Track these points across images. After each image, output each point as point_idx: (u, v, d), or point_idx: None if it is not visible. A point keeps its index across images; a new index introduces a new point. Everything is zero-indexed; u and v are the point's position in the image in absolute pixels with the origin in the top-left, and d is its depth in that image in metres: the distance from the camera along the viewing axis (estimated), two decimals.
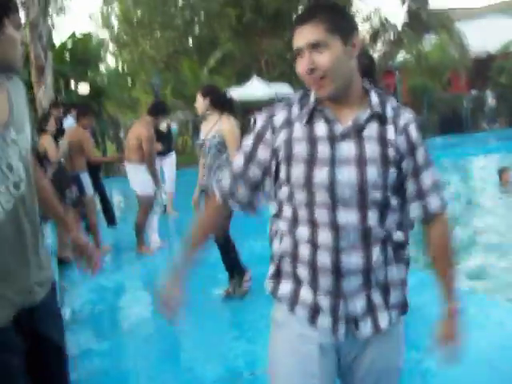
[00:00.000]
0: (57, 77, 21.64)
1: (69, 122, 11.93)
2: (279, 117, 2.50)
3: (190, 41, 33.81)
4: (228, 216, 6.66)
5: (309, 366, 2.47)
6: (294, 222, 2.44)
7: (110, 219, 11.13)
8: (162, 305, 2.63)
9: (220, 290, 7.17)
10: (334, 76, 2.32)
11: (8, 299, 2.45)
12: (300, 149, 2.39)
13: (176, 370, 5.31)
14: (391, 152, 2.36)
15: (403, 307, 2.59)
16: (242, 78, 27.37)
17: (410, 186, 2.45)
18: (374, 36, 29.99)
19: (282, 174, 2.45)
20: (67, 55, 25.33)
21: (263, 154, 2.52)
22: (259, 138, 2.53)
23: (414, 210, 2.50)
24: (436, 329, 2.61)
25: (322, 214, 2.36)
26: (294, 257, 2.45)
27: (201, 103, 7.04)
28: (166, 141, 11.74)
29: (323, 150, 2.36)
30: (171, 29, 32.03)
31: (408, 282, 2.63)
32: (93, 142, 10.15)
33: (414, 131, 2.42)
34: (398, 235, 2.48)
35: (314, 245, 2.38)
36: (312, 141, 2.39)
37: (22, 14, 19.61)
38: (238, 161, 2.60)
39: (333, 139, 2.36)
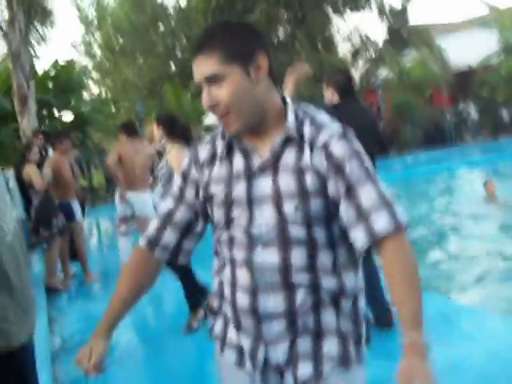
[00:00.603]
0: (40, 105, 21.61)
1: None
2: (202, 153, 2.31)
3: (173, 66, 33.92)
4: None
5: None
6: (222, 260, 2.28)
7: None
8: (79, 362, 2.31)
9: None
10: (239, 110, 2.07)
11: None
12: (218, 190, 2.20)
13: None
14: (309, 179, 2.06)
15: (344, 361, 2.20)
16: None
17: (347, 210, 2.05)
18: (355, 54, 30.15)
19: (210, 214, 2.28)
20: (50, 83, 25.26)
21: (190, 193, 2.32)
22: (185, 177, 2.34)
23: (358, 238, 2.05)
24: (396, 372, 1.94)
25: (239, 254, 2.17)
26: (221, 296, 2.31)
27: (156, 132, 6.96)
28: None
29: (240, 189, 2.15)
30: (153, 55, 32.16)
31: (361, 332, 2.28)
32: (78, 170, 10.11)
33: (337, 146, 2.07)
34: (335, 276, 2.15)
35: (233, 285, 2.21)
36: (229, 179, 2.18)
37: (3, 44, 19.70)
38: (166, 202, 2.38)
39: (250, 175, 2.15)
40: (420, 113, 27.96)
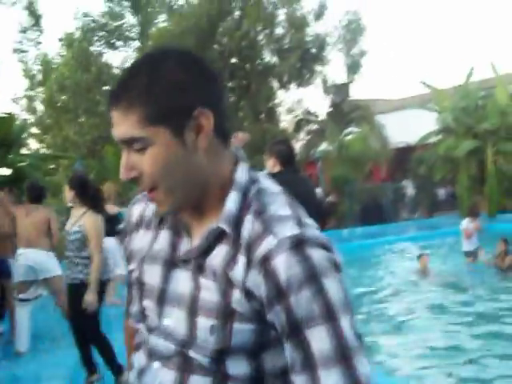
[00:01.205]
0: None
1: None
2: (134, 214, 1.80)
3: None
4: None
5: None
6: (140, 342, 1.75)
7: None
8: None
9: None
10: (168, 186, 1.49)
11: None
12: (133, 265, 1.73)
13: None
14: (236, 297, 1.46)
15: None
16: None
17: (291, 352, 1.42)
18: (297, 126, 30.57)
19: None
20: None
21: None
22: (122, 242, 1.88)
23: None
24: None
25: (137, 365, 1.69)
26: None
27: (68, 194, 6.87)
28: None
29: (154, 275, 1.62)
30: (95, 114, 32.08)
31: None
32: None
33: (282, 263, 1.39)
34: None
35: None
36: (145, 259, 1.67)
37: None
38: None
39: (170, 264, 1.60)
40: (358, 187, 28.29)
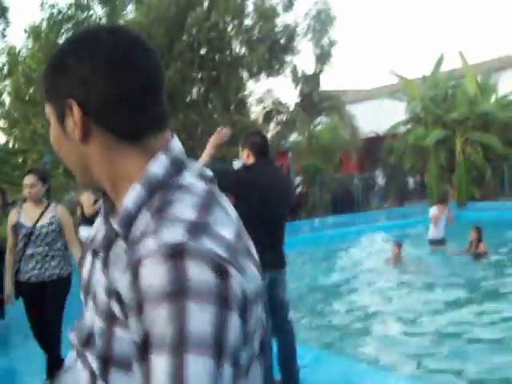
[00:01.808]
0: None
1: None
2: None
3: None
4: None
5: None
6: None
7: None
8: None
9: None
10: (66, 160, 1.44)
11: None
12: None
13: None
14: (114, 301, 1.26)
15: None
16: None
17: (135, 372, 1.17)
18: (267, 117, 30.54)
19: None
20: None
21: None
22: None
23: None
24: None
25: (67, 363, 1.52)
26: None
27: (40, 189, 6.73)
28: None
29: (85, 269, 1.50)
30: None
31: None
32: None
33: (149, 273, 1.14)
34: None
35: None
36: (85, 249, 1.55)
37: None
38: None
39: (94, 253, 1.47)
40: (329, 177, 28.38)
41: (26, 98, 33.26)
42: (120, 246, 1.33)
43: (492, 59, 35.33)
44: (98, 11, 33.85)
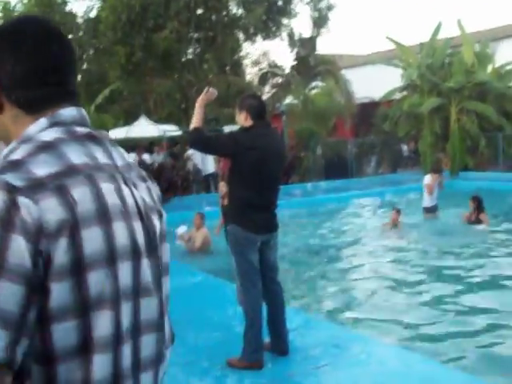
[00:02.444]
0: None
1: None
2: None
3: (78, 77, 33.34)
4: None
5: None
6: None
7: None
8: None
9: None
10: None
11: None
12: None
13: None
14: None
15: None
16: (130, 117, 27.12)
17: None
18: (263, 79, 30.40)
19: None
20: None
21: None
22: None
23: None
24: None
25: None
26: None
27: None
28: None
29: None
30: None
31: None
32: None
33: None
34: None
35: None
36: None
37: None
38: None
39: None
40: (322, 142, 28.32)
41: None
42: None
43: (490, 28, 35.16)
44: None
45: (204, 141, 5.57)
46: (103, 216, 1.44)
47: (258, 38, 29.89)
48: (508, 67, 27.60)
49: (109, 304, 1.41)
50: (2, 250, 1.28)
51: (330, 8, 29.98)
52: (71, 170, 1.44)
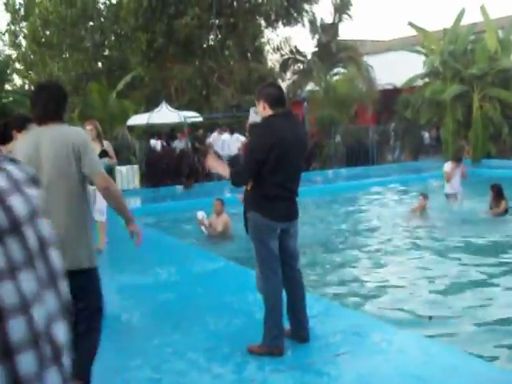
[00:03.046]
0: None
1: None
2: None
3: (99, 63, 33.44)
4: None
5: None
6: None
7: None
8: None
9: None
10: None
11: None
12: None
13: None
14: None
15: None
16: (151, 104, 27.17)
17: None
18: (284, 65, 30.31)
19: None
20: None
21: None
22: None
23: None
24: None
25: None
26: None
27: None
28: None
29: None
30: (80, 51, 31.63)
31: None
32: None
33: None
34: None
35: None
36: None
37: None
38: None
39: None
40: (344, 129, 28.19)
41: (42, 41, 33.08)
42: None
43: None
44: None
45: (240, 179, 5.58)
46: None
47: (279, 25, 29.81)
48: None
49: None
50: None
51: None
52: None
